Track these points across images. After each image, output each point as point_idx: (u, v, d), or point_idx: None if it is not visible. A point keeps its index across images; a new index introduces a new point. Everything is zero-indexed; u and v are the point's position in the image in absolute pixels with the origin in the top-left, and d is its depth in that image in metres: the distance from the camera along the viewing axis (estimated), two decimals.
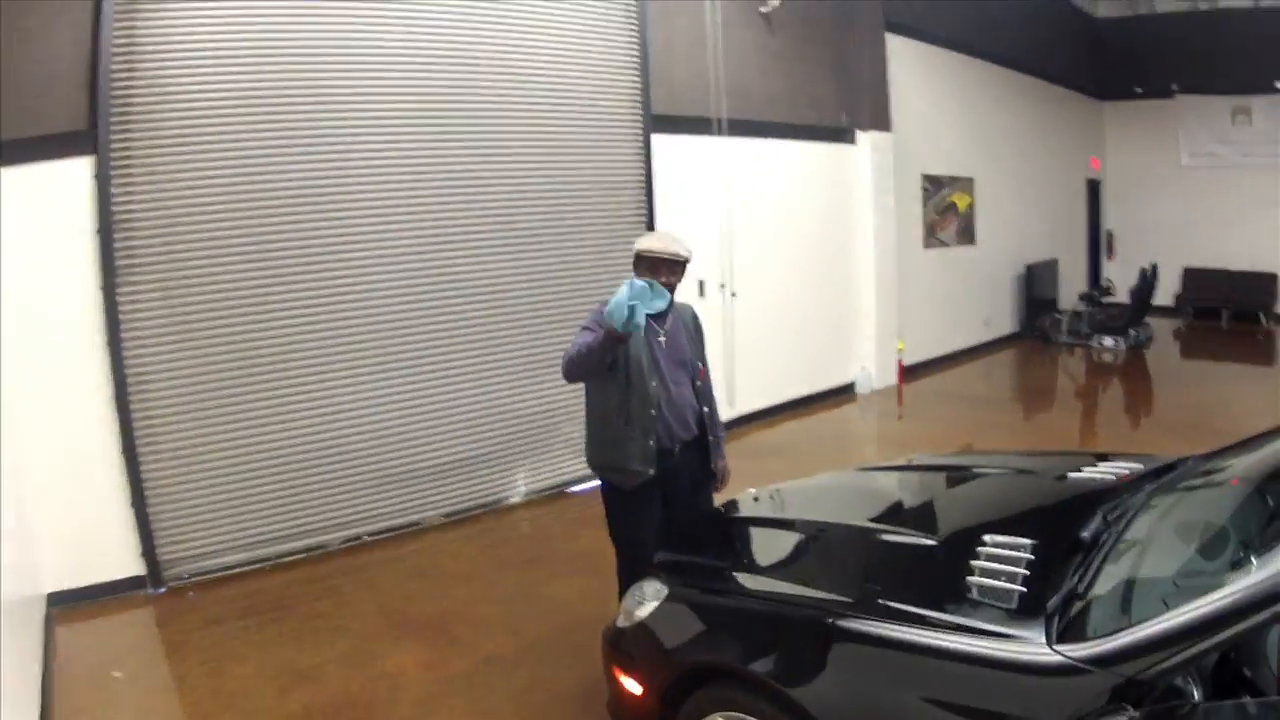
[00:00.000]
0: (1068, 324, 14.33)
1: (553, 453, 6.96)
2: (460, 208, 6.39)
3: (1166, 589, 2.53)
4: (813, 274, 9.81)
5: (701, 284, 8.14)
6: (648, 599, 3.35)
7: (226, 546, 5.59)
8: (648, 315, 3.75)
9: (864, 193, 10.50)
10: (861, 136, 10.37)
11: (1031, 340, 14.43)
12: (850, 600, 2.93)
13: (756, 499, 4.17)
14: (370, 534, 6.03)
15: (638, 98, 7.36)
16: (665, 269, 3.99)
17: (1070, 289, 15.96)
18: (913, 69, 11.30)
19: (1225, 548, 2.74)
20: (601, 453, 4.05)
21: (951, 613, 2.71)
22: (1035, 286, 14.67)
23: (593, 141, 7.14)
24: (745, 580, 3.36)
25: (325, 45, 5.77)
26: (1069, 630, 2.46)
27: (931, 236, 12.14)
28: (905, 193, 11.32)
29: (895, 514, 3.94)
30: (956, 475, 4.32)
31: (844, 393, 10.43)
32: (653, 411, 3.96)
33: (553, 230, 6.89)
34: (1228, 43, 15.68)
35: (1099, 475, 3.82)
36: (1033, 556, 2.94)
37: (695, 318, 4.33)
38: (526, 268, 6.75)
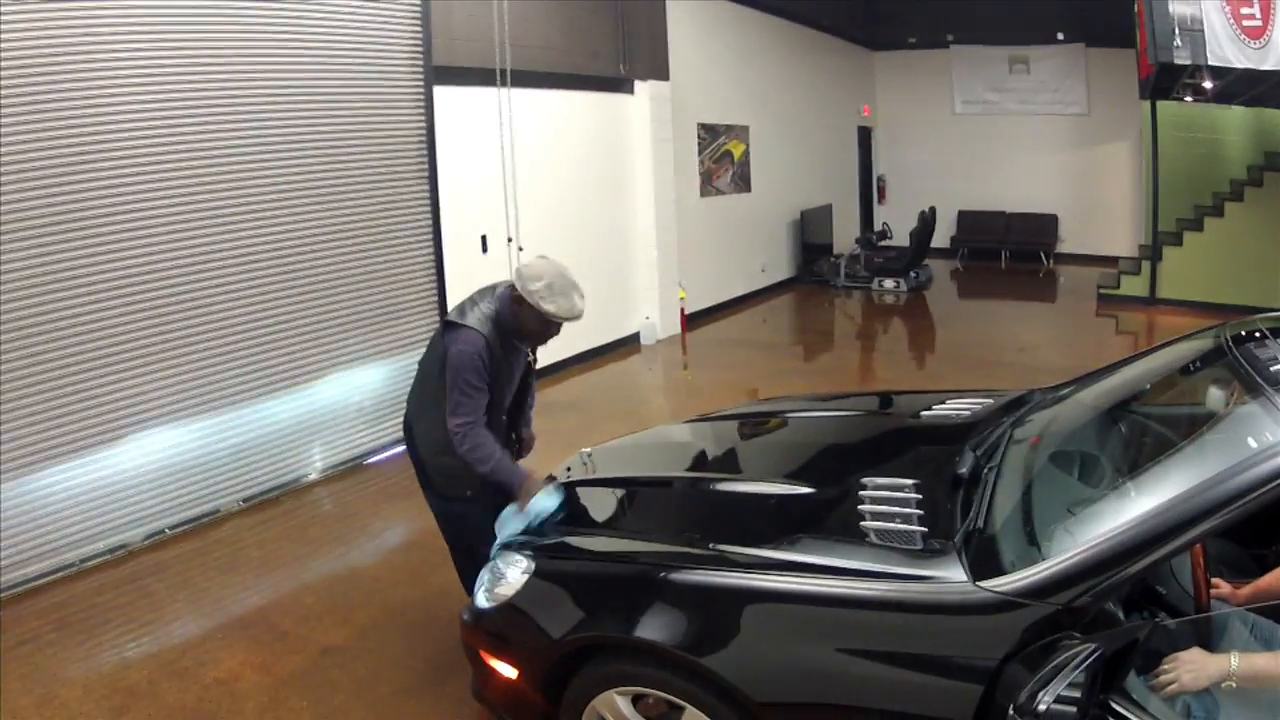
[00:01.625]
0: (846, 267, 15.14)
1: (347, 424, 6.88)
2: (236, 175, 6.07)
3: (1064, 517, 2.58)
4: (595, 225, 10.02)
5: (484, 239, 8.24)
6: (509, 577, 3.16)
7: (25, 556, 5.13)
8: (516, 341, 3.80)
9: (643, 143, 10.77)
10: (640, 86, 10.61)
11: (809, 285, 15.22)
12: (745, 556, 2.85)
13: (588, 460, 4.06)
14: (171, 527, 5.75)
15: (418, 49, 7.28)
16: (556, 326, 3.74)
17: (844, 234, 16.91)
18: (690, 19, 11.62)
19: (1102, 473, 2.91)
20: (432, 453, 3.90)
21: (857, 560, 2.68)
22: (810, 232, 15.45)
23: (372, 97, 6.98)
24: (624, 546, 3.24)
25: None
26: (980, 566, 2.49)
27: (708, 185, 12.59)
28: (682, 142, 11.65)
29: (760, 465, 3.98)
30: (803, 422, 4.35)
31: (629, 344, 10.74)
32: (513, 435, 4.09)
33: (333, 192, 6.71)
34: None
35: (951, 412, 3.97)
36: (920, 495, 2.98)
37: None
38: (307, 234, 6.55)
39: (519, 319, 3.71)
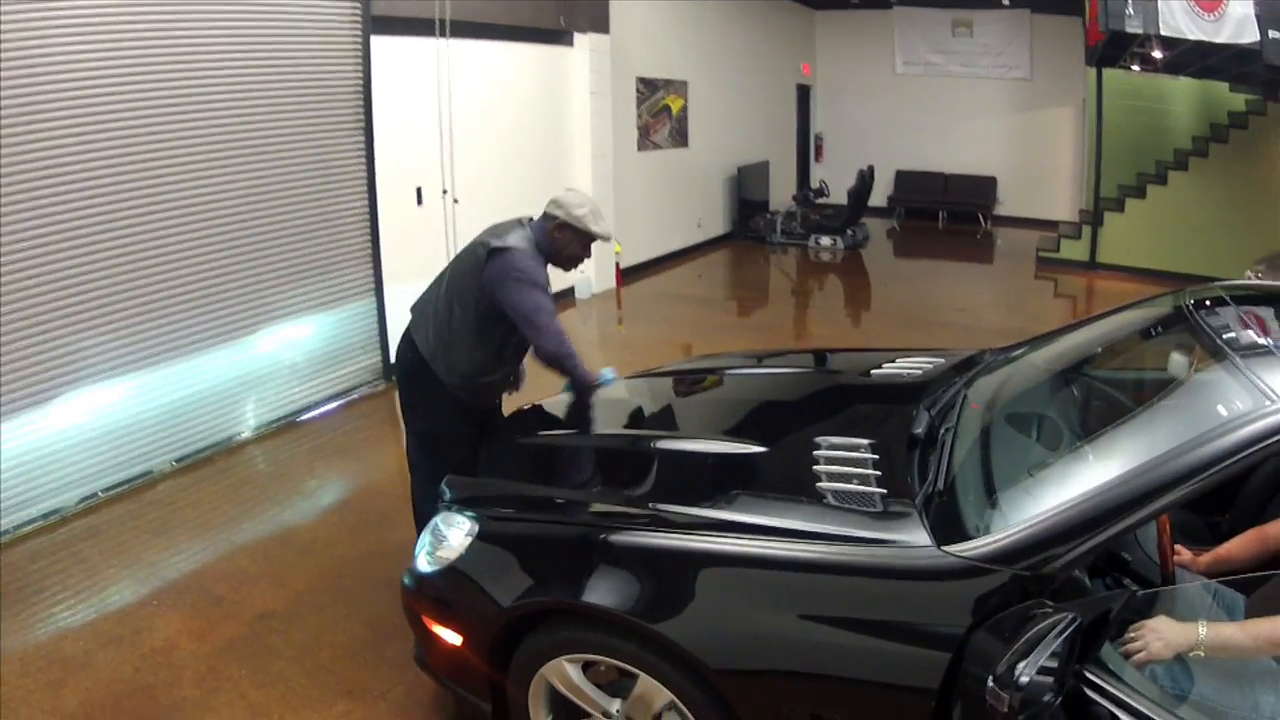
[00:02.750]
0: (782, 224, 15.28)
1: (279, 381, 6.85)
2: (167, 125, 5.91)
3: (1027, 481, 2.63)
4: (533, 178, 9.91)
5: (419, 191, 8.21)
6: (451, 539, 3.13)
7: None
8: (554, 265, 4.05)
9: (581, 96, 10.76)
10: (580, 39, 10.56)
11: (745, 240, 15.34)
12: (695, 517, 2.82)
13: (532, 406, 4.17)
14: (105, 489, 5.67)
15: None
16: (590, 246, 4.10)
17: (781, 191, 17.03)
18: None
19: (1063, 437, 2.95)
20: (470, 377, 4.06)
21: (814, 522, 2.66)
22: (747, 188, 15.57)
23: (309, 47, 6.87)
24: (572, 504, 3.24)
25: None
26: (942, 530, 2.49)
27: (645, 140, 12.60)
28: (621, 96, 11.64)
29: (705, 422, 3.99)
30: (750, 379, 4.38)
31: (564, 297, 10.72)
32: (522, 364, 4.30)
33: (268, 143, 6.60)
34: None
35: (902, 371, 4.00)
36: (876, 456, 2.96)
37: None
38: (241, 186, 6.43)
39: (560, 245, 4.01)
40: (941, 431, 3.07)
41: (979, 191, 18.15)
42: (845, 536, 2.57)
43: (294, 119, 6.83)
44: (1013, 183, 18.13)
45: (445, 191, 8.34)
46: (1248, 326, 2.80)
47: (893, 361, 4.16)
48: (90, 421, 5.60)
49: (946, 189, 18.38)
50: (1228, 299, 3.04)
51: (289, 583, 4.70)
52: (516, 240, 3.89)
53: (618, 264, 11.58)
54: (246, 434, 6.61)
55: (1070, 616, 2.07)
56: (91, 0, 5.42)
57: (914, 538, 2.50)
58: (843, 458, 2.99)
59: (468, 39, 8.58)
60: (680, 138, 13.59)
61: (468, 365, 4.03)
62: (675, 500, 2.97)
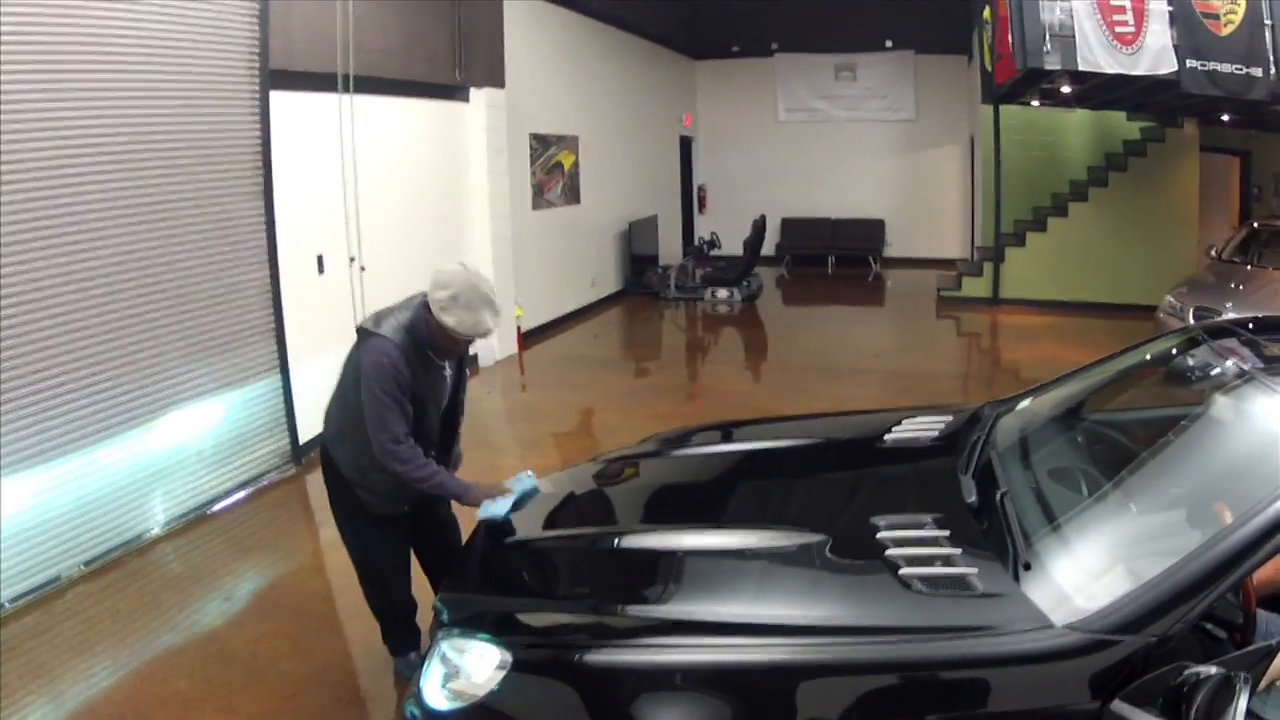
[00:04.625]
0: (675, 278, 15.22)
1: (186, 470, 6.31)
2: (51, 191, 5.35)
3: (1118, 540, 2.59)
4: (433, 241, 9.61)
5: (320, 259, 7.79)
6: (471, 671, 2.77)
7: None
8: (430, 354, 3.64)
9: (478, 153, 10.54)
10: (476, 94, 10.35)
11: (638, 296, 15.24)
12: (780, 624, 2.57)
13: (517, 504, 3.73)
14: (10, 600, 5.05)
15: (254, 50, 6.79)
16: (465, 341, 3.66)
17: (669, 244, 17.05)
18: (522, 22, 11.41)
19: (1106, 487, 2.90)
20: (363, 473, 3.77)
21: (908, 615, 2.52)
22: (637, 243, 15.50)
23: (204, 103, 6.41)
24: (621, 622, 2.83)
25: None
26: (1050, 605, 2.38)
27: (540, 197, 12.41)
28: (515, 153, 11.44)
29: (740, 510, 3.59)
30: (764, 455, 4.07)
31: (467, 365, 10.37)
32: (433, 452, 3.80)
33: (160, 210, 6.08)
34: (830, 5, 17.36)
35: (917, 434, 3.82)
36: (947, 532, 2.81)
37: None
38: (134, 257, 5.91)
39: (430, 328, 3.58)
40: (1000, 497, 2.89)
41: (867, 235, 18.55)
42: (950, 627, 2.43)
43: (190, 181, 6.37)
44: (901, 224, 18.62)
45: (353, 259, 7.94)
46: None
47: (899, 424, 4.00)
48: None
49: (834, 234, 18.73)
50: (1245, 331, 3.09)
51: (238, 707, 4.19)
52: (388, 327, 3.57)
53: (519, 328, 11.27)
54: (156, 530, 6.05)
55: (1225, 674, 2.00)
56: None
57: (1025, 618, 2.36)
58: (913, 538, 2.82)
59: (368, 94, 8.23)
60: (573, 194, 13.44)
61: (355, 459, 3.76)
62: (745, 605, 2.73)
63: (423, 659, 3.59)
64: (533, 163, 12.14)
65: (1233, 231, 12.31)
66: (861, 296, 16.45)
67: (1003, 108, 13.53)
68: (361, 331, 3.65)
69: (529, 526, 3.60)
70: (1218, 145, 13.95)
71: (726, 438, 4.49)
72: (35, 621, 4.98)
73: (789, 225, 18.77)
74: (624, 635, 2.79)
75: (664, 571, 3.11)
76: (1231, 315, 8.31)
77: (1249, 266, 10.13)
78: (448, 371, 3.80)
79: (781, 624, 2.58)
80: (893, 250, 18.58)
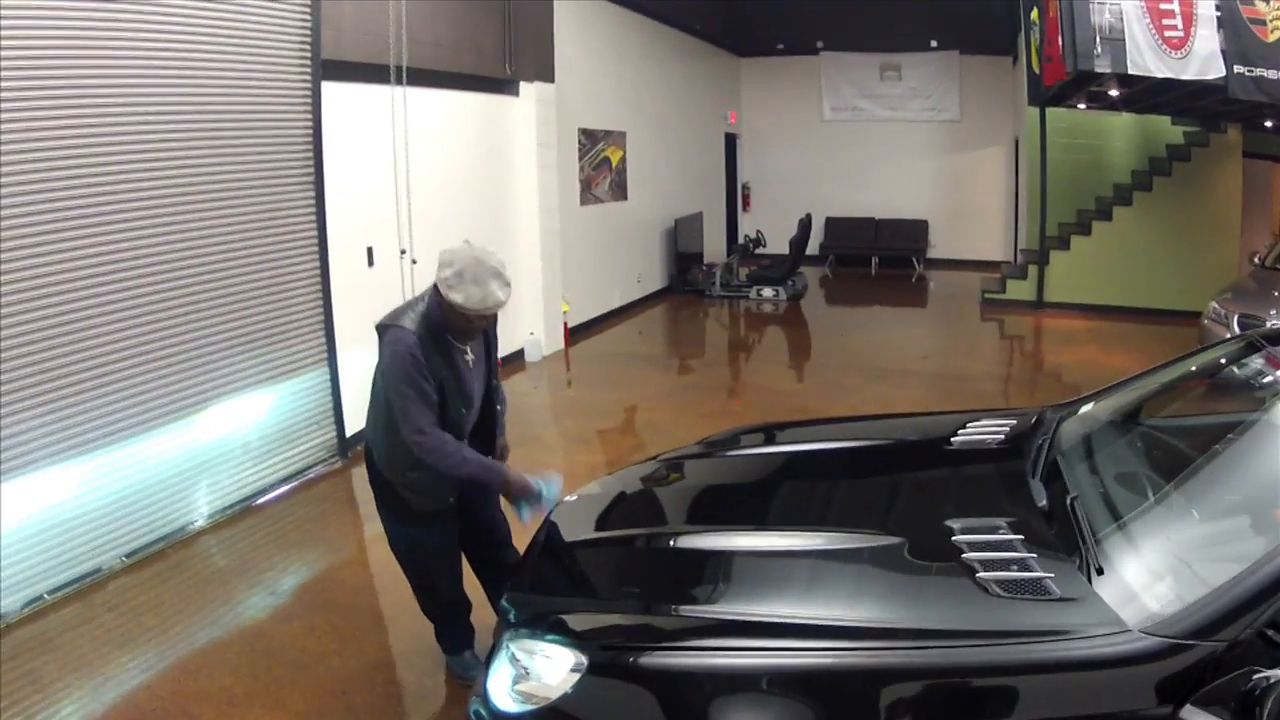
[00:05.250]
0: (721, 277, 15.03)
1: (232, 462, 6.23)
2: (103, 180, 5.28)
3: (1189, 544, 2.59)
4: (482, 235, 9.24)
5: (370, 251, 7.71)
6: (542, 673, 2.69)
7: None
8: (449, 338, 3.60)
9: (528, 147, 10.41)
10: (525, 88, 10.23)
11: (683, 295, 15.08)
12: (867, 628, 2.55)
13: (577, 499, 3.74)
14: (50, 591, 4.99)
15: (306, 40, 6.70)
16: (477, 318, 3.54)
17: (714, 242, 16.88)
18: (572, 19, 11.30)
19: (1171, 492, 2.87)
20: (399, 471, 3.71)
21: (986, 619, 2.51)
22: (682, 240, 15.32)
23: (256, 92, 6.34)
24: (704, 623, 2.78)
25: None
26: (1125, 610, 2.37)
27: (587, 193, 12.29)
28: (564, 148, 11.33)
29: (812, 511, 3.52)
30: (828, 456, 3.99)
31: (514, 361, 10.34)
32: (460, 439, 3.68)
33: (212, 201, 6.03)
34: (875, 4, 17.11)
35: (983, 436, 3.76)
36: (1021, 536, 2.76)
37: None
38: (185, 249, 5.84)
39: (443, 311, 3.53)
40: (1070, 501, 2.85)
41: (911, 235, 18.28)
42: (1029, 631, 2.41)
43: (240, 170, 6.30)
44: (943, 225, 18.34)
45: (403, 252, 7.85)
46: None
47: (964, 426, 3.91)
48: (31, 516, 4.94)
49: (878, 234, 18.48)
50: None
51: (286, 703, 4.09)
52: (407, 319, 3.52)
53: (565, 324, 11.17)
54: (200, 523, 5.98)
55: None
56: (28, 49, 4.85)
57: (1102, 622, 2.35)
58: (989, 541, 2.77)
59: (419, 87, 8.14)
60: (620, 190, 13.31)
61: (389, 456, 3.73)
62: (825, 607, 2.71)
63: (478, 658, 3.49)
64: (581, 158, 12.02)
65: (1274, 239, 12.11)
66: (905, 297, 16.20)
67: (1048, 110, 13.26)
68: (380, 328, 3.59)
69: (599, 525, 3.56)
70: (1259, 151, 13.60)
71: (789, 439, 4.41)
72: (75, 613, 4.91)
73: (833, 224, 18.52)
74: (705, 638, 2.70)
75: (743, 573, 3.05)
76: (1277, 323, 8.24)
77: None
78: (469, 356, 3.71)
79: (865, 627, 2.57)
80: (935, 251, 18.34)
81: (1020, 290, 13.92)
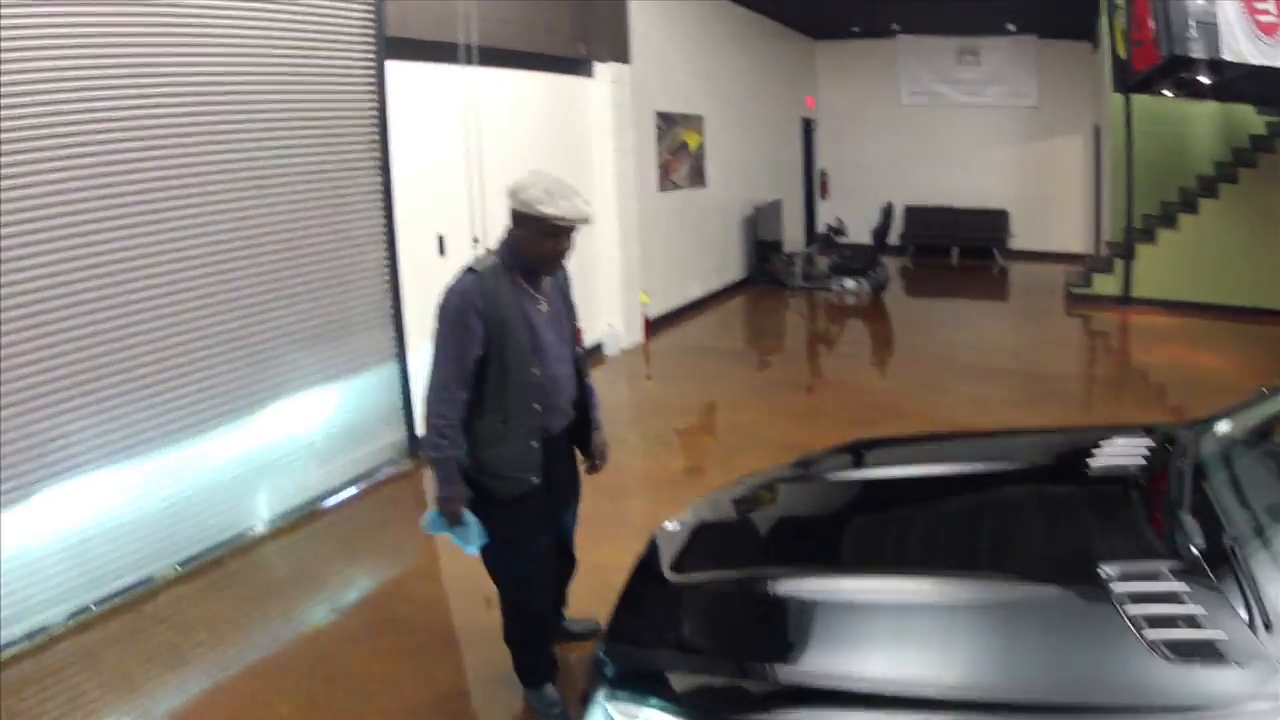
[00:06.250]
0: (802, 267, 14.45)
1: (295, 464, 5.85)
2: (160, 166, 4.95)
3: None
4: None
5: (441, 240, 7.29)
6: None
7: None
8: (521, 276, 3.41)
9: (602, 130, 9.93)
10: (600, 69, 9.75)
11: (763, 286, 14.51)
12: (1030, 705, 2.15)
13: (676, 527, 3.27)
14: (98, 602, 4.63)
15: (370, 16, 6.28)
16: (564, 236, 3.34)
17: (792, 231, 16.30)
18: None
19: None
20: (471, 454, 3.34)
21: (1158, 688, 2.12)
22: (762, 229, 14.77)
23: (317, 70, 5.95)
24: (831, 695, 2.28)
25: None
26: None
27: (665, 178, 11.76)
28: (641, 131, 10.83)
29: (931, 549, 3.00)
30: (952, 482, 3.42)
31: (592, 355, 9.84)
32: (536, 405, 3.33)
33: (274, 186, 5.66)
34: None
35: (1122, 460, 3.24)
36: (1187, 586, 2.35)
37: (566, 272, 3.69)
38: (245, 238, 5.48)
39: (522, 244, 3.39)
40: (1228, 544, 2.43)
41: (991, 225, 17.57)
42: (1206, 703, 2.03)
43: (303, 154, 5.92)
44: (1024, 215, 17.59)
45: (476, 240, 7.38)
46: None
47: (1098, 446, 3.37)
48: (79, 522, 4.59)
49: (958, 224, 17.76)
50: None
51: None
52: (474, 261, 3.42)
53: (645, 315, 10.67)
54: (260, 528, 5.59)
55: None
56: (80, 26, 4.51)
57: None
58: (1151, 591, 2.34)
59: (489, 66, 7.67)
60: (698, 176, 12.77)
61: (475, 432, 3.40)
62: (964, 672, 2.29)
63: (561, 695, 3.18)
64: (658, 142, 11.50)
65: None
66: (987, 290, 15.49)
67: (1132, 97, 12.46)
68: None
69: (700, 562, 3.08)
70: None
71: (900, 458, 3.86)
72: (123, 626, 4.53)
73: (913, 213, 17.79)
74: (827, 707, 2.24)
75: (864, 629, 2.54)
76: None
77: None
78: (543, 306, 3.49)
79: (1017, 702, 2.15)
80: (1015, 242, 17.56)
81: (1106, 285, 13.13)
